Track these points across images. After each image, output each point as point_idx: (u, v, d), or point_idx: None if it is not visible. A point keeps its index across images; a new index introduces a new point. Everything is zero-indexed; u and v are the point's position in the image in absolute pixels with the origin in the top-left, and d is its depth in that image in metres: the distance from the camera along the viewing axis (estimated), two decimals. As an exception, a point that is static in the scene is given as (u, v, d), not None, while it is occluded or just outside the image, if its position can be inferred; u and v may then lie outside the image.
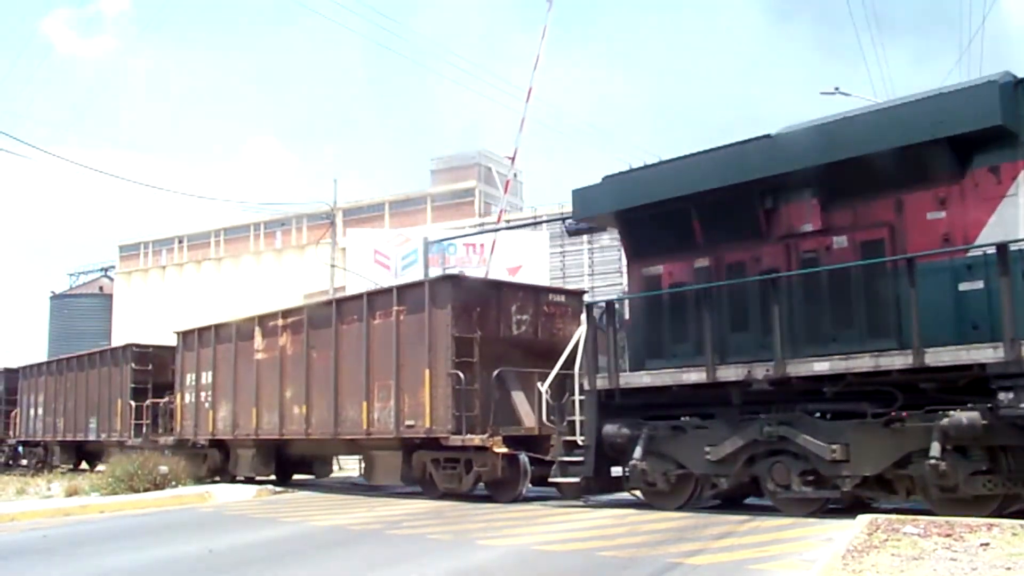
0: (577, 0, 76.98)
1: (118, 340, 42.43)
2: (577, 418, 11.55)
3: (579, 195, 12.25)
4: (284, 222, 47.27)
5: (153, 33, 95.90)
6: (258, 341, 17.50)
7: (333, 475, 19.65)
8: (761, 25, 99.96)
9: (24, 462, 27.87)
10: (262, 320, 17.64)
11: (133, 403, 20.91)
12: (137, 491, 15.52)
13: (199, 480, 17.84)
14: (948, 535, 7.06)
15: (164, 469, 16.48)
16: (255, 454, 17.71)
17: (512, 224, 34.58)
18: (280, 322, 17.04)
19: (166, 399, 20.60)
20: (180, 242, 52.19)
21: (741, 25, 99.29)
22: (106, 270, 56.80)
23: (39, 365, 27.94)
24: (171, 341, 21.27)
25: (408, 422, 13.82)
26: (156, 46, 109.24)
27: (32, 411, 27.00)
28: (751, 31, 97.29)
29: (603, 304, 12.14)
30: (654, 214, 11.30)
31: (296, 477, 18.97)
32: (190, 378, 19.35)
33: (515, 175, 38.44)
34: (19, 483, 18.42)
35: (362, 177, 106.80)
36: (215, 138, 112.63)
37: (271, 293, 35.48)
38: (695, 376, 10.32)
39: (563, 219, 30.46)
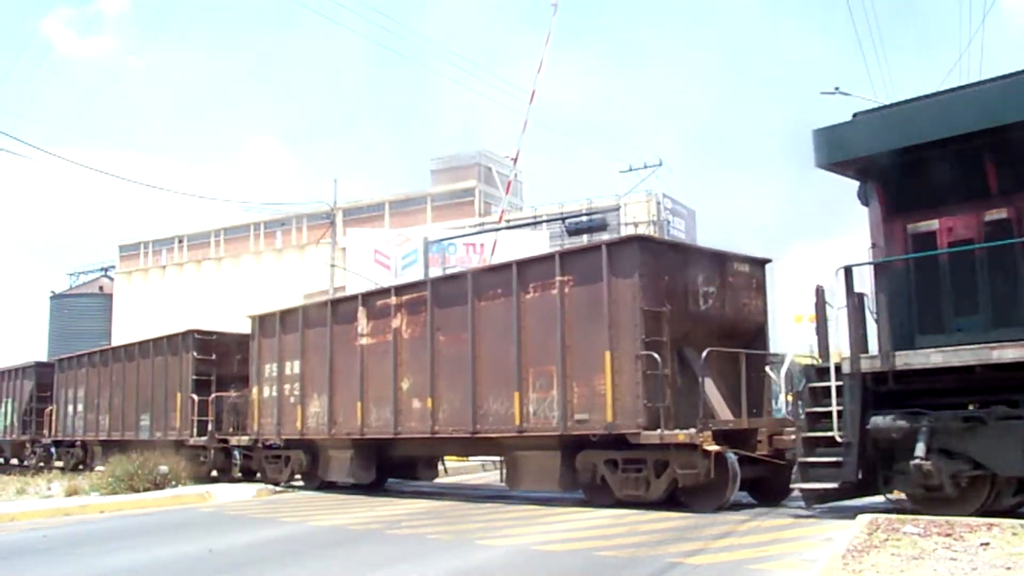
0: (577, 0, 77.11)
1: (118, 339, 42.51)
2: (834, 409, 9.19)
3: (824, 136, 9.66)
4: (284, 222, 47.26)
5: (153, 33, 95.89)
6: (362, 324, 15.17)
7: (440, 480, 17.12)
8: (760, 25, 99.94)
9: (60, 464, 25.42)
10: (367, 299, 15.43)
11: (195, 397, 18.74)
12: (137, 491, 15.52)
13: (275, 485, 16.84)
14: (948, 535, 7.06)
15: (164, 469, 16.44)
16: (353, 455, 15.53)
17: (512, 224, 34.59)
18: (393, 300, 14.68)
19: (235, 393, 18.58)
20: (180, 242, 52.18)
21: (741, 24, 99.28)
22: (106, 270, 56.81)
23: (79, 357, 25.09)
24: (232, 327, 20.01)
25: (579, 416, 11.60)
26: (156, 46, 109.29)
27: (70, 408, 24.51)
28: (751, 31, 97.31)
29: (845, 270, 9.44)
30: (928, 156, 9.19)
31: (392, 480, 16.93)
32: (270, 369, 17.23)
33: (516, 175, 38.48)
34: (19, 483, 18.38)
35: (362, 177, 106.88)
36: (215, 138, 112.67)
37: (271, 293, 35.49)
38: (1013, 353, 8.15)
39: (563, 219, 30.58)
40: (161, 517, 13.07)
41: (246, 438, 17.80)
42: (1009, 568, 5.92)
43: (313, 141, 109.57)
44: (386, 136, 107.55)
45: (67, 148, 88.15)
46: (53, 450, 26.45)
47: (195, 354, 19.20)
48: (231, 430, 18.45)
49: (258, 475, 18.06)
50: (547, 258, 12.72)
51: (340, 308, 16.10)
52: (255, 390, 17.53)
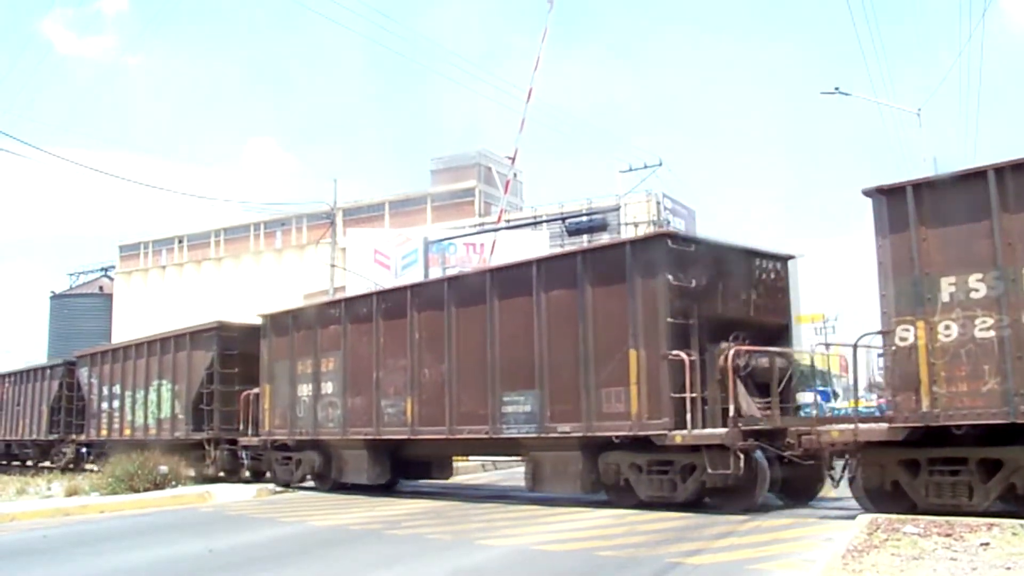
0: (578, 0, 77.08)
1: (118, 338, 42.49)
2: None
3: None
4: (284, 222, 47.31)
5: (152, 33, 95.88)
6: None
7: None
8: (760, 25, 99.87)
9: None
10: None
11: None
12: (137, 491, 15.50)
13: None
14: (948, 535, 7.07)
15: (164, 469, 16.42)
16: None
17: (512, 224, 34.61)
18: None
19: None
20: (180, 242, 52.21)
21: (741, 25, 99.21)
22: (106, 270, 56.87)
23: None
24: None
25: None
26: (156, 46, 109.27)
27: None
28: (750, 31, 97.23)
29: None
30: None
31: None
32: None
33: (515, 175, 38.51)
34: (19, 483, 18.38)
35: (362, 177, 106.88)
36: (215, 138, 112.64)
37: (271, 293, 35.51)
38: None
39: (563, 219, 30.60)
40: (161, 517, 13.06)
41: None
42: (1009, 568, 5.92)
43: (313, 141, 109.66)
44: (386, 136, 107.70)
45: (67, 148, 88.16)
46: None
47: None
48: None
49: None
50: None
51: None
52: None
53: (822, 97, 26.44)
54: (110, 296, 53.68)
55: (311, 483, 16.68)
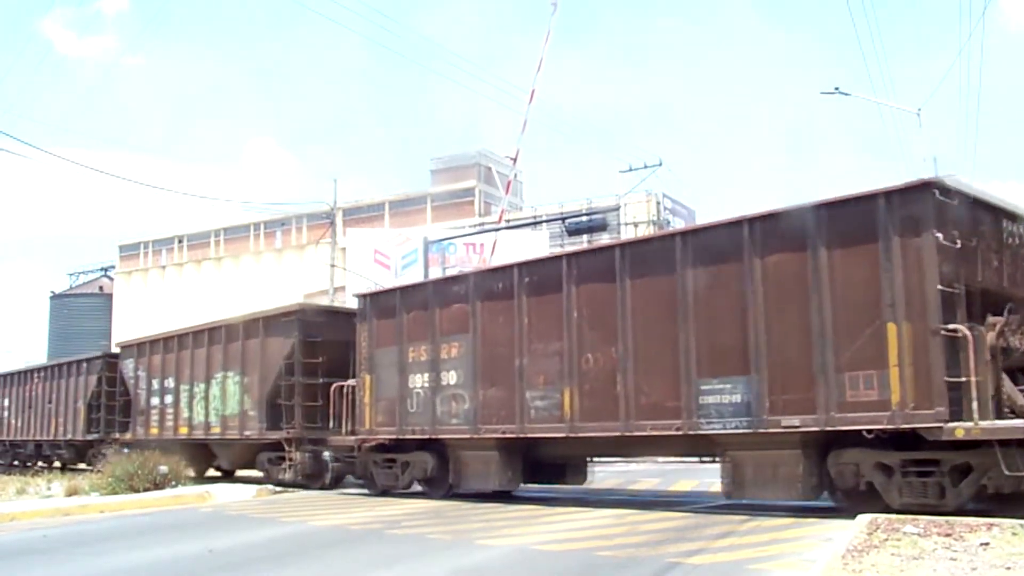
0: (578, 0, 77.18)
1: (118, 339, 42.50)
2: None
3: None
4: (284, 222, 47.32)
5: (153, 33, 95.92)
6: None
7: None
8: (760, 25, 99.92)
9: None
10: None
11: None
12: (137, 491, 15.50)
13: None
14: (948, 535, 7.07)
15: (164, 469, 16.41)
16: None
17: (512, 224, 34.63)
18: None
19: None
20: (180, 242, 52.22)
21: (741, 25, 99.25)
22: (106, 270, 56.89)
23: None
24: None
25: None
26: (156, 46, 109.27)
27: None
28: (750, 31, 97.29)
29: None
30: None
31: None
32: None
33: (516, 175, 38.52)
34: (19, 483, 18.38)
35: (362, 177, 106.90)
36: (215, 138, 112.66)
37: (271, 293, 35.50)
38: None
39: (563, 219, 30.60)
40: (161, 517, 13.06)
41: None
42: (1009, 568, 5.92)
43: (313, 141, 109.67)
44: (386, 136, 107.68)
45: (67, 148, 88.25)
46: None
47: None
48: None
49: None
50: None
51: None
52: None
53: (822, 97, 26.49)
54: (110, 296, 53.69)
55: (417, 489, 14.50)
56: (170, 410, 19.95)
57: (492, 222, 36.39)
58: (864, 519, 7.78)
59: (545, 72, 31.24)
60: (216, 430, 18.35)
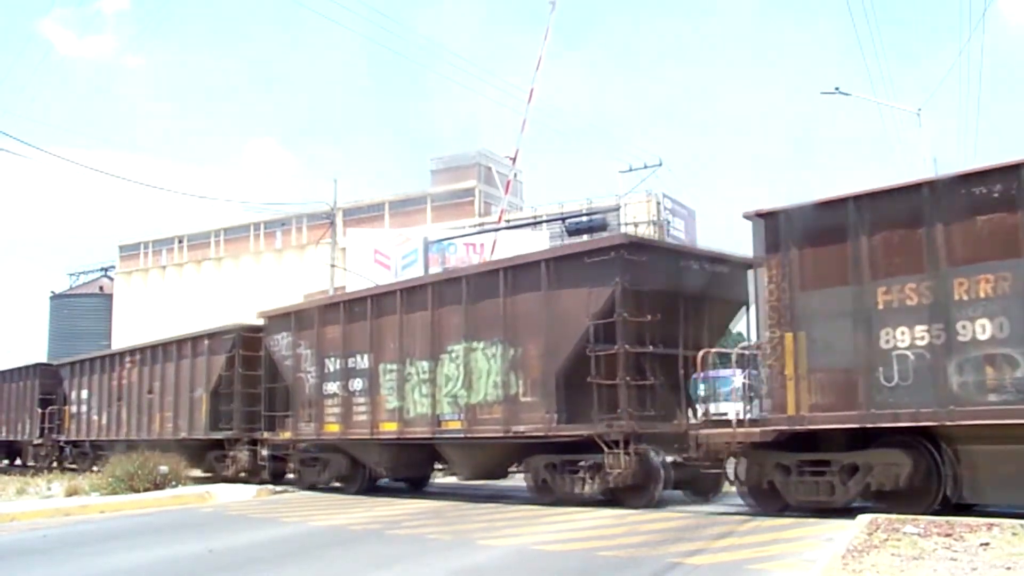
0: (578, 1, 77.16)
1: (118, 339, 42.50)
2: None
3: None
4: (284, 222, 47.30)
5: (153, 33, 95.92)
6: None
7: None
8: (760, 25, 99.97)
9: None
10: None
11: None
12: (137, 491, 15.50)
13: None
14: (948, 535, 7.07)
15: (164, 469, 16.40)
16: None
17: (512, 224, 34.63)
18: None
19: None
20: (180, 242, 52.19)
21: (741, 25, 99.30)
22: (106, 270, 56.86)
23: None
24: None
25: None
26: (156, 46, 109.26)
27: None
28: (750, 31, 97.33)
29: None
30: None
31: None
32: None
33: (515, 175, 38.52)
34: (19, 483, 18.37)
35: (362, 177, 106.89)
36: (215, 138, 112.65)
37: (271, 293, 35.48)
38: None
39: (563, 219, 30.61)
40: (161, 517, 13.06)
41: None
42: (1009, 568, 5.92)
43: (313, 141, 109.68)
44: (386, 136, 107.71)
45: (67, 148, 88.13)
46: None
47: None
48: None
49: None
50: None
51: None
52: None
53: (822, 97, 26.49)
54: (110, 296, 53.66)
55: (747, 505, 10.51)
56: (361, 399, 15.01)
57: (492, 222, 36.39)
58: (864, 519, 7.78)
59: (545, 72, 31.31)
60: (454, 425, 13.36)
